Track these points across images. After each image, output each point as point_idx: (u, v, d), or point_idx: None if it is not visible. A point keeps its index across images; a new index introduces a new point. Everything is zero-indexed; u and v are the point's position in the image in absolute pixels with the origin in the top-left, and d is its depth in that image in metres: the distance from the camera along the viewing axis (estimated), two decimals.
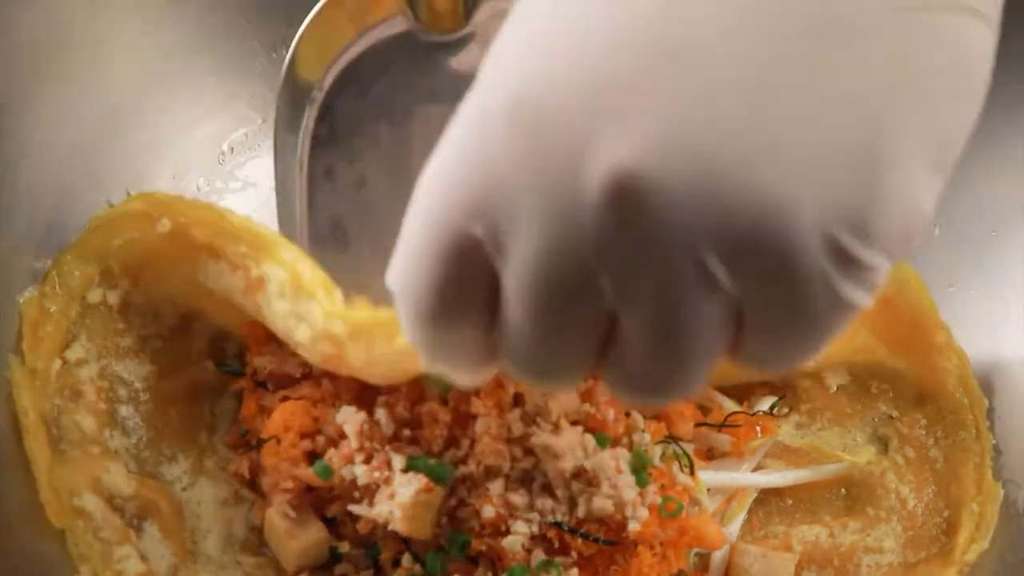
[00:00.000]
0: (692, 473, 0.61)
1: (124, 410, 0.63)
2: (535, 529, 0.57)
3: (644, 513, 0.57)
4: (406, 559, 0.58)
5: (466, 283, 0.38)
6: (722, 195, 0.34)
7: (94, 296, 0.62)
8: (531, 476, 0.57)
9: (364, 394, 0.59)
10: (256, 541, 0.62)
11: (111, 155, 0.66)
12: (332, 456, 0.58)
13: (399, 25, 0.56)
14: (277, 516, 0.59)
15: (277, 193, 0.59)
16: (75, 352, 0.62)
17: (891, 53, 0.35)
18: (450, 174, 0.37)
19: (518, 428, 0.57)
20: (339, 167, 0.58)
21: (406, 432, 0.58)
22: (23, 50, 0.62)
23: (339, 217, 0.59)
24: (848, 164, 0.35)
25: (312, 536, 0.59)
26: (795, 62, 0.35)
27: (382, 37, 0.56)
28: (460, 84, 0.59)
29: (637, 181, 0.34)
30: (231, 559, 0.61)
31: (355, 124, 0.58)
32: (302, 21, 0.60)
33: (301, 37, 0.57)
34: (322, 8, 0.57)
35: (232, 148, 0.70)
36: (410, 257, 0.39)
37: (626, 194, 0.34)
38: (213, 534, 0.61)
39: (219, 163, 0.69)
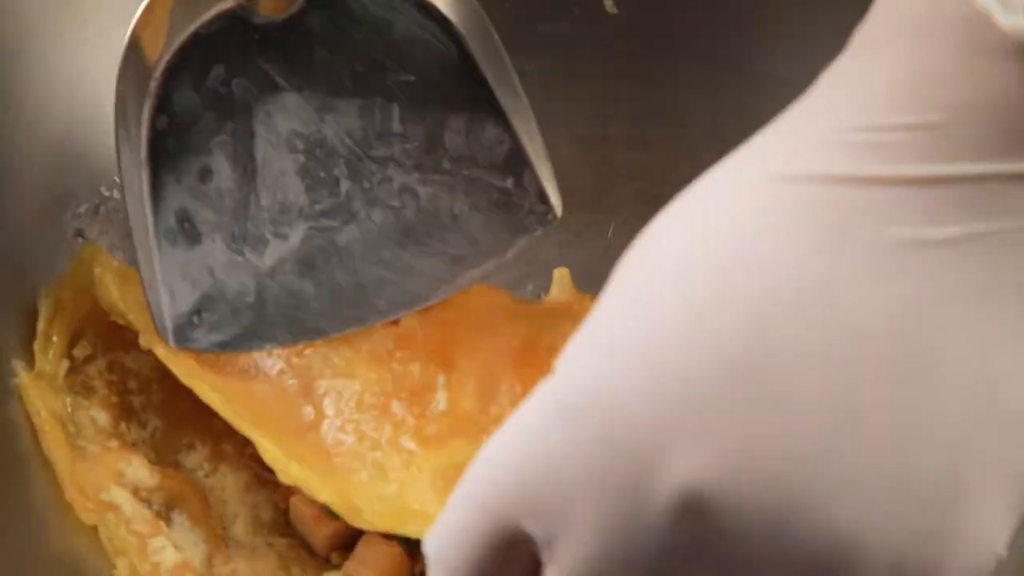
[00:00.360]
0: None
1: (136, 401, 0.64)
2: None
3: None
4: None
5: (505, 569, 0.37)
6: (792, 526, 0.33)
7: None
8: None
9: None
10: (284, 521, 0.63)
11: (96, 148, 0.66)
12: None
13: (229, 6, 0.54)
14: (302, 504, 0.61)
15: (122, 190, 0.58)
16: (83, 349, 0.63)
17: (979, 387, 0.34)
18: (509, 462, 0.36)
19: None
20: (182, 159, 0.57)
21: None
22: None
23: (186, 210, 0.58)
24: (925, 503, 0.33)
25: (341, 520, 0.60)
26: (876, 392, 0.33)
27: (213, 21, 0.54)
28: (295, 69, 0.58)
29: (707, 500, 0.33)
30: (262, 541, 0.62)
31: (194, 114, 0.56)
32: None
33: (135, 29, 0.55)
34: None
35: None
36: (453, 530, 0.37)
37: (694, 512, 0.33)
38: (240, 519, 0.63)
39: None
